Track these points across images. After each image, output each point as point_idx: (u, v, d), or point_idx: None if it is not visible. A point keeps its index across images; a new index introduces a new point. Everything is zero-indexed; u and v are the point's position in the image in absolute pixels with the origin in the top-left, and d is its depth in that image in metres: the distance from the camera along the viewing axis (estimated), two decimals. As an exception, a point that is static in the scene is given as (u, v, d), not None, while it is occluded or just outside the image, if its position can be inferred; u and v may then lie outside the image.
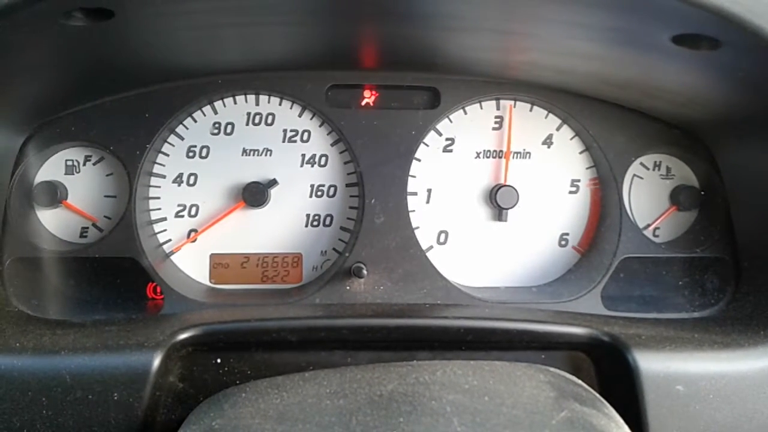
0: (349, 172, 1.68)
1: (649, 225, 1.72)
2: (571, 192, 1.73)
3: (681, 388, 1.13)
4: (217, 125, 1.65)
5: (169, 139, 1.64)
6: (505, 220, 1.69)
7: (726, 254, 1.63)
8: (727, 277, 1.61)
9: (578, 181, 1.73)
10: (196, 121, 1.64)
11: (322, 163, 1.68)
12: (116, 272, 1.60)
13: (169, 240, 1.66)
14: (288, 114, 1.67)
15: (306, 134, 1.67)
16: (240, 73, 1.59)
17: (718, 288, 1.62)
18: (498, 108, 1.70)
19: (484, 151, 1.71)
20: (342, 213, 1.69)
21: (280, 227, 1.68)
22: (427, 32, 1.37)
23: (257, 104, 1.66)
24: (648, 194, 1.73)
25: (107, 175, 1.63)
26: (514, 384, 1.02)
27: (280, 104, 1.66)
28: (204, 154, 1.65)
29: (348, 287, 1.61)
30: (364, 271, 1.58)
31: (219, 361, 1.20)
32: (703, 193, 1.70)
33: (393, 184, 1.62)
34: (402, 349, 1.25)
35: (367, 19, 1.32)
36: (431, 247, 1.70)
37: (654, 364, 1.14)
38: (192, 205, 1.66)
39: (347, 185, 1.68)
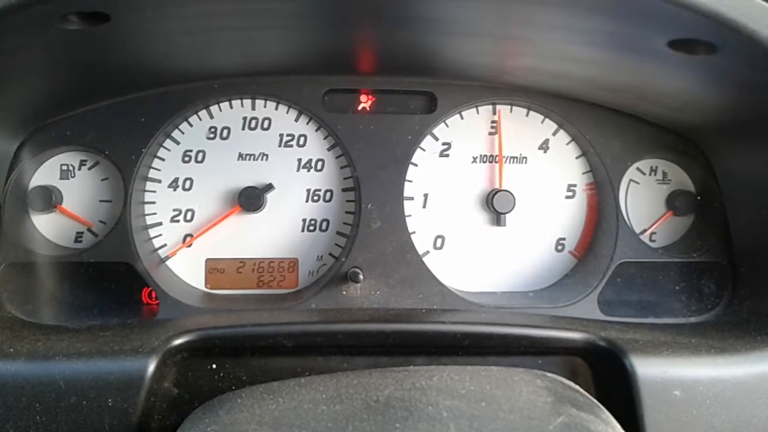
0: (345, 177, 1.67)
1: (645, 230, 1.72)
2: (567, 197, 1.73)
3: (678, 393, 1.13)
4: (213, 130, 1.65)
5: (164, 144, 1.63)
6: (502, 225, 1.69)
7: (723, 259, 1.63)
8: (723, 281, 1.62)
9: (575, 185, 1.73)
10: (191, 126, 1.64)
11: (319, 167, 1.68)
12: (111, 277, 1.59)
13: (165, 245, 1.65)
14: (284, 118, 1.67)
15: (302, 139, 1.67)
16: (236, 77, 1.59)
17: (715, 293, 1.63)
18: (494, 113, 1.70)
19: (481, 155, 1.71)
20: (338, 218, 1.68)
21: (276, 232, 1.68)
22: (424, 37, 1.37)
23: (253, 109, 1.66)
24: (644, 199, 1.73)
25: (102, 180, 1.62)
26: (511, 389, 1.01)
27: (276, 109, 1.66)
28: (200, 158, 1.65)
29: (344, 292, 1.60)
30: (361, 276, 1.58)
31: (214, 366, 1.20)
32: (699, 197, 1.70)
33: (389, 188, 1.62)
34: (398, 355, 1.24)
35: (364, 23, 1.32)
36: (428, 252, 1.70)
37: (651, 369, 1.14)
38: (187, 210, 1.65)
39: (343, 190, 1.68)
